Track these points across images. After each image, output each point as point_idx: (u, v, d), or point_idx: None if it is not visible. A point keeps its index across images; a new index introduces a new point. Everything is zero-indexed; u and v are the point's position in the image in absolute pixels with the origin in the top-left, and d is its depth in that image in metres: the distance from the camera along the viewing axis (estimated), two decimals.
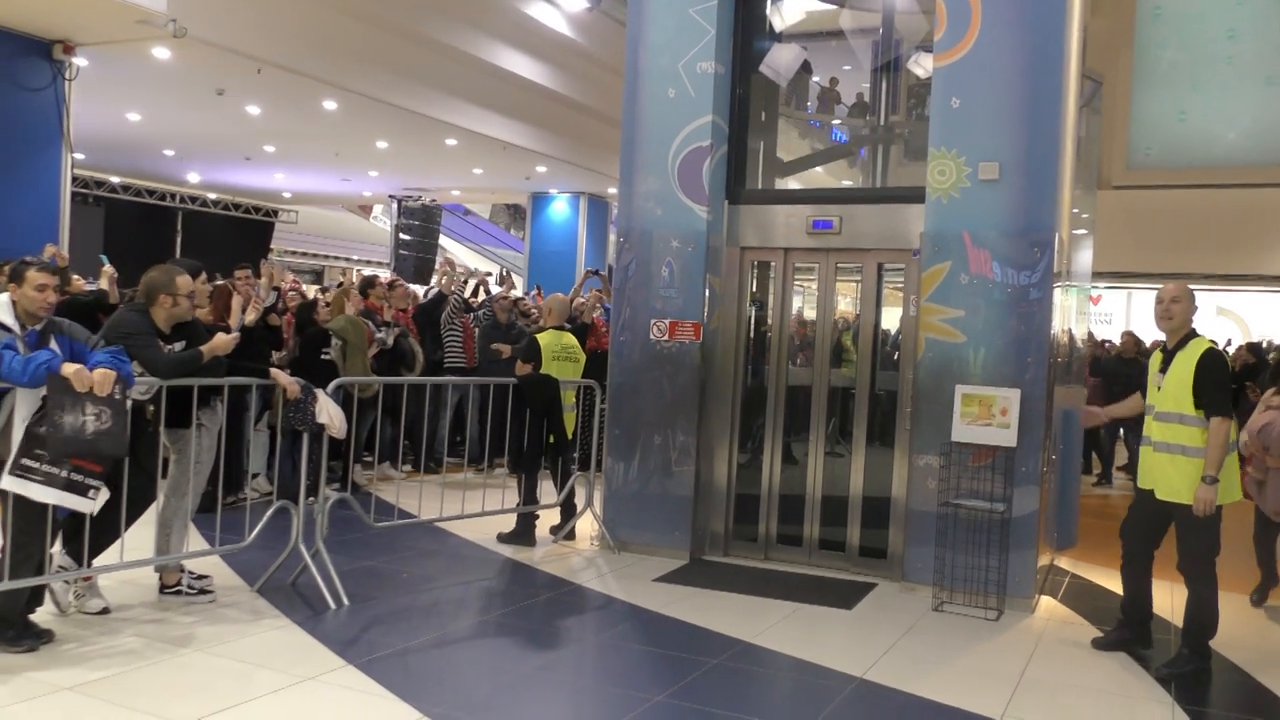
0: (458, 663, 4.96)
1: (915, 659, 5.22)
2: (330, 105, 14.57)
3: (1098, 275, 10.42)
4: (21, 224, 10.26)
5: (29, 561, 4.60)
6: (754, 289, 7.51)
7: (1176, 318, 5.24)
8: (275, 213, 25.99)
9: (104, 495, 4.75)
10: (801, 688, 4.88)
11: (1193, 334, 5.26)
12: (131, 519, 5.14)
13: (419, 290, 13.42)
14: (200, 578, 5.58)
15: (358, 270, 20.21)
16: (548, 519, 7.62)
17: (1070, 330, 7.29)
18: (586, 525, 7.59)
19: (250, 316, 6.87)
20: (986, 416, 6.15)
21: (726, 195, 7.31)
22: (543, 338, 7.56)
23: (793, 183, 8.37)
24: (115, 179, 21.89)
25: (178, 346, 5.27)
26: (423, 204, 23.65)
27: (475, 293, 11.85)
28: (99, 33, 10.43)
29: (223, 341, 5.35)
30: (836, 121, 9.01)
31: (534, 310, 11.38)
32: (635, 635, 5.49)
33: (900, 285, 7.03)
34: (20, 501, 4.49)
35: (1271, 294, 19.48)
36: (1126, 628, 5.48)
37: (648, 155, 7.23)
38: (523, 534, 7.33)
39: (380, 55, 13.53)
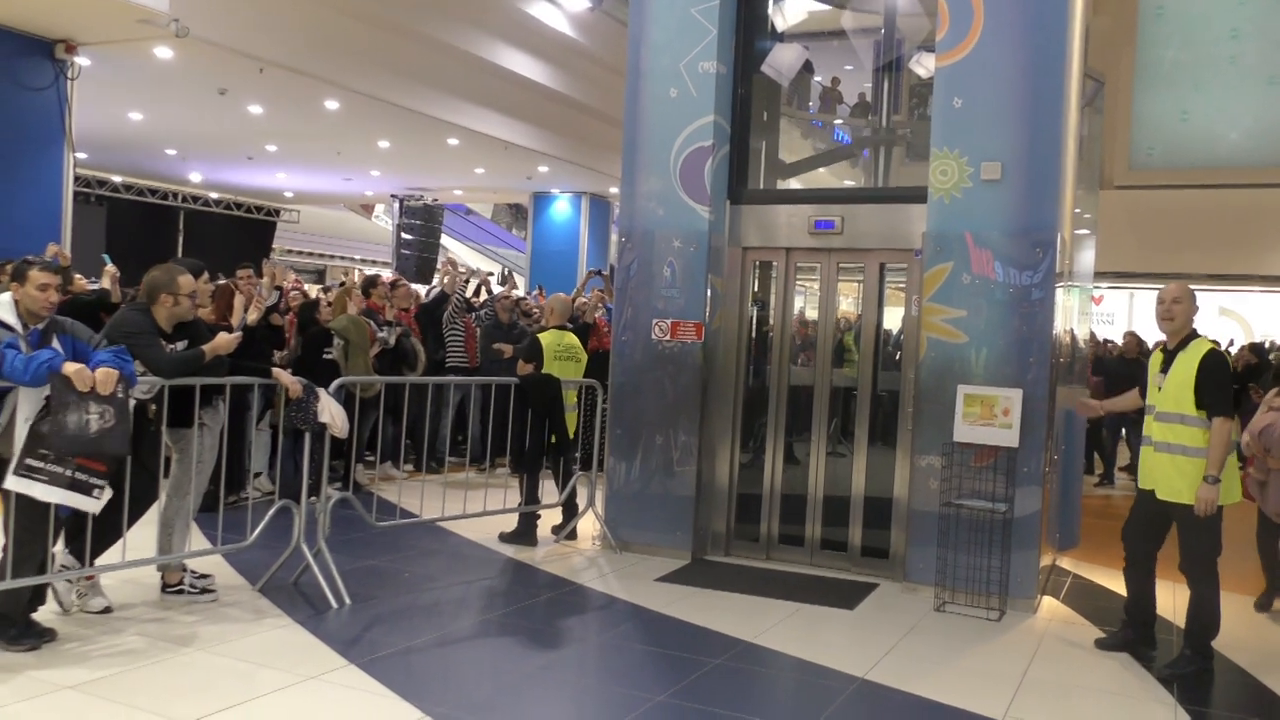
0: (460, 662, 4.96)
1: (917, 659, 5.22)
2: (332, 105, 14.58)
3: (1100, 275, 10.43)
4: (24, 223, 10.27)
5: (31, 560, 4.61)
6: (756, 289, 7.51)
7: (1178, 318, 5.24)
8: (277, 212, 26.01)
9: (107, 494, 4.75)
10: (803, 688, 4.88)
11: (1194, 335, 5.26)
12: (134, 518, 5.15)
13: (421, 290, 13.41)
14: (202, 577, 5.58)
15: (359, 270, 20.23)
16: (549, 519, 7.62)
17: (1072, 330, 7.29)
18: (588, 525, 7.59)
19: (252, 316, 6.88)
20: (988, 417, 6.15)
21: (728, 195, 7.31)
22: (545, 337, 7.56)
23: (794, 182, 8.37)
24: (117, 178, 21.91)
25: (180, 346, 5.27)
26: (425, 203, 23.67)
27: (477, 292, 11.85)
28: (101, 32, 10.44)
29: (225, 341, 5.36)
30: (838, 121, 9.01)
31: (536, 310, 11.38)
32: (637, 635, 5.49)
33: (902, 285, 7.02)
34: (22, 500, 4.49)
35: (1274, 294, 19.48)
36: (1130, 629, 5.48)
37: (650, 155, 7.23)
38: (524, 534, 7.33)
39: (382, 55, 13.54)
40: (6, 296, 4.67)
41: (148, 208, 22.77)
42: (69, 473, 4.52)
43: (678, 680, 4.70)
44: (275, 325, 8.27)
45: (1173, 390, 5.16)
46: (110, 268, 7.27)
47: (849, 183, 8.47)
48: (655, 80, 7.20)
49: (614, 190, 20.13)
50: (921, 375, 6.47)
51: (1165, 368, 5.26)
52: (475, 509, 7.06)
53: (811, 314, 7.47)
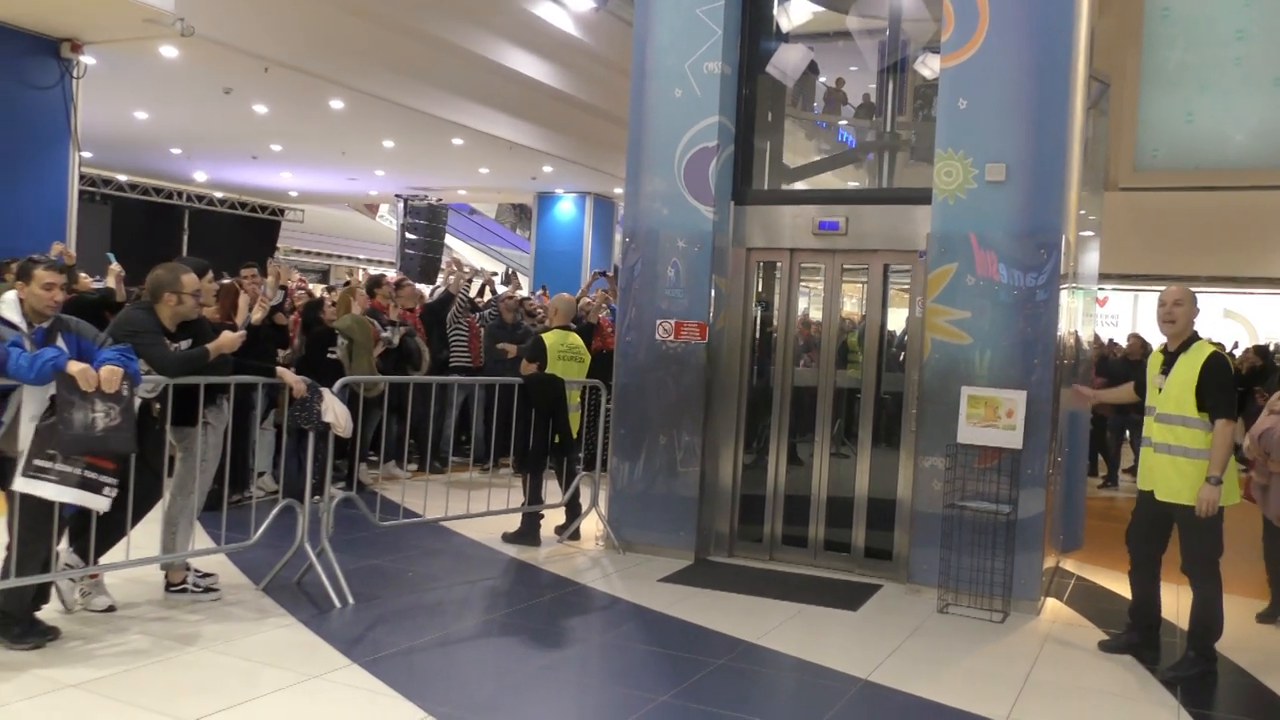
0: (463, 662, 4.96)
1: (920, 661, 5.22)
2: (337, 104, 14.59)
3: (1104, 277, 10.40)
4: (29, 222, 10.29)
5: (35, 559, 4.61)
6: (760, 289, 7.51)
7: (1179, 321, 5.25)
8: (282, 211, 26.03)
9: (114, 492, 4.76)
10: (806, 689, 4.88)
11: (1195, 337, 5.26)
12: (137, 517, 5.15)
13: (425, 290, 13.42)
14: (206, 576, 5.59)
15: (364, 270, 20.25)
16: (553, 519, 7.62)
17: (1076, 332, 7.28)
18: (591, 525, 7.59)
19: (257, 315, 6.89)
20: (992, 418, 6.14)
21: (733, 196, 7.31)
22: (548, 337, 7.56)
23: (799, 183, 8.37)
24: (122, 177, 21.94)
25: (184, 345, 5.28)
26: (429, 203, 23.67)
27: (481, 292, 11.85)
28: (107, 31, 10.46)
29: (229, 339, 5.36)
30: (843, 122, 9.01)
31: (540, 310, 11.38)
32: (640, 635, 5.49)
33: (906, 286, 7.02)
34: (27, 499, 4.50)
35: (1279, 297, 19.43)
36: (1134, 631, 5.48)
37: (654, 155, 7.23)
38: (528, 534, 7.33)
39: (387, 55, 13.55)
40: (11, 295, 4.68)
41: (153, 207, 22.80)
42: (79, 471, 4.52)
43: (680, 681, 4.69)
44: (280, 325, 8.27)
45: (1174, 392, 5.16)
46: (115, 266, 7.28)
47: (853, 184, 8.46)
48: (660, 80, 7.20)
49: (618, 190, 20.14)
50: (925, 376, 6.47)
51: (1166, 369, 5.26)
52: (479, 509, 7.07)
53: (816, 315, 7.46)
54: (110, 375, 4.51)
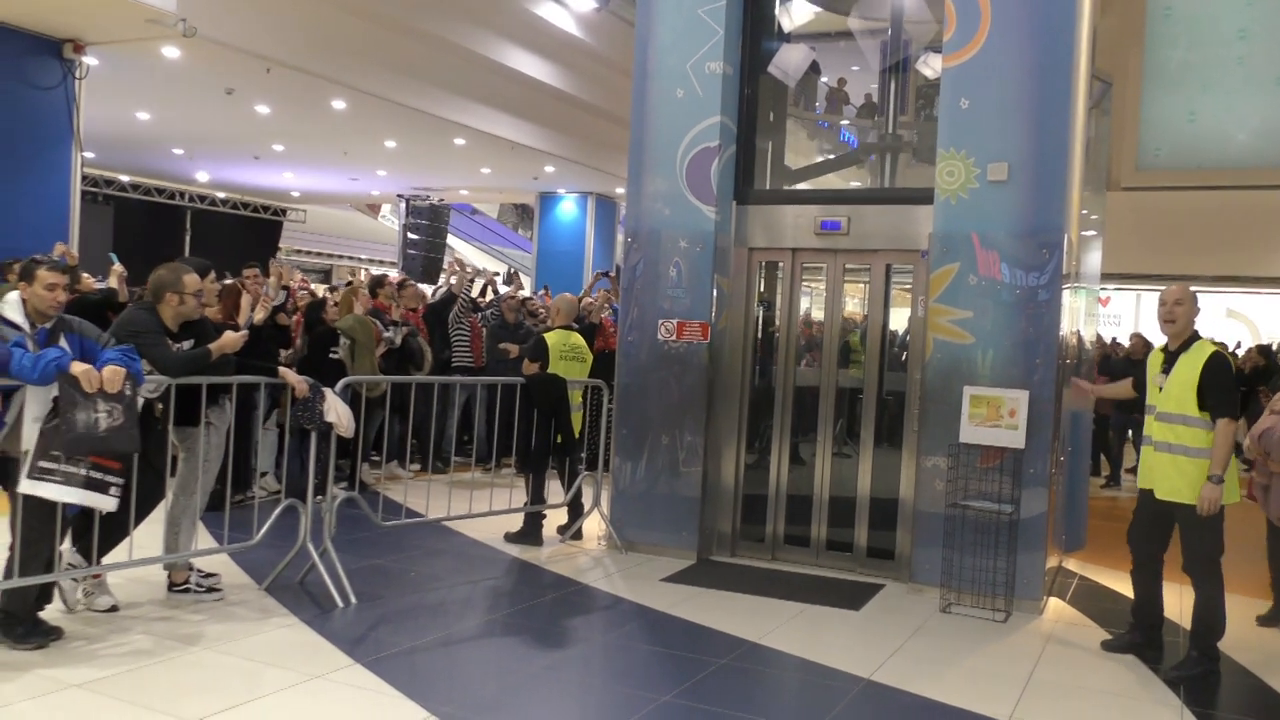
0: (465, 662, 4.96)
1: (923, 660, 5.21)
2: (339, 105, 14.60)
3: (1106, 277, 10.39)
4: (31, 222, 10.30)
5: (38, 559, 4.62)
6: (762, 289, 7.51)
7: (1179, 320, 5.25)
8: (284, 212, 26.06)
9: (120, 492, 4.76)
10: (808, 688, 4.88)
11: (1195, 336, 5.26)
12: (140, 517, 5.16)
13: (427, 290, 13.43)
14: (208, 576, 5.59)
15: (366, 270, 20.26)
16: (555, 518, 7.62)
17: (1079, 332, 7.28)
18: (594, 525, 7.59)
19: (259, 315, 6.89)
20: (995, 418, 6.14)
21: (734, 195, 7.30)
22: (550, 337, 7.56)
23: (801, 183, 8.36)
24: (125, 178, 21.96)
25: (186, 345, 5.28)
26: (431, 203, 23.69)
27: (483, 292, 11.85)
28: (109, 32, 10.47)
29: (231, 339, 5.37)
30: (845, 122, 9.00)
31: (542, 310, 11.38)
32: (642, 635, 5.49)
33: (908, 286, 7.01)
34: (30, 499, 4.50)
35: None
36: (1137, 631, 5.47)
37: (656, 155, 7.23)
38: (530, 533, 7.33)
39: (389, 55, 13.56)
40: (14, 296, 4.69)
41: (155, 207, 22.83)
42: (84, 472, 4.53)
43: (683, 680, 4.70)
44: (282, 325, 8.28)
45: (1175, 391, 5.16)
46: (117, 267, 7.28)
47: (855, 183, 8.46)
48: (662, 81, 7.20)
49: (620, 190, 20.15)
50: (927, 376, 6.46)
51: (1167, 368, 5.26)
52: (481, 509, 7.07)
53: (817, 315, 7.46)
54: (113, 375, 4.51)
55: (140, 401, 4.83)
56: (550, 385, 7.27)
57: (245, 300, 7.00)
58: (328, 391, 5.71)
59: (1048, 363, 6.17)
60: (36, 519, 4.55)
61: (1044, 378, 6.16)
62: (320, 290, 12.23)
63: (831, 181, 8.49)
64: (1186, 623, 5.35)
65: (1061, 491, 6.72)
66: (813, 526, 7.16)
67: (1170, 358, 5.27)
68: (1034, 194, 6.21)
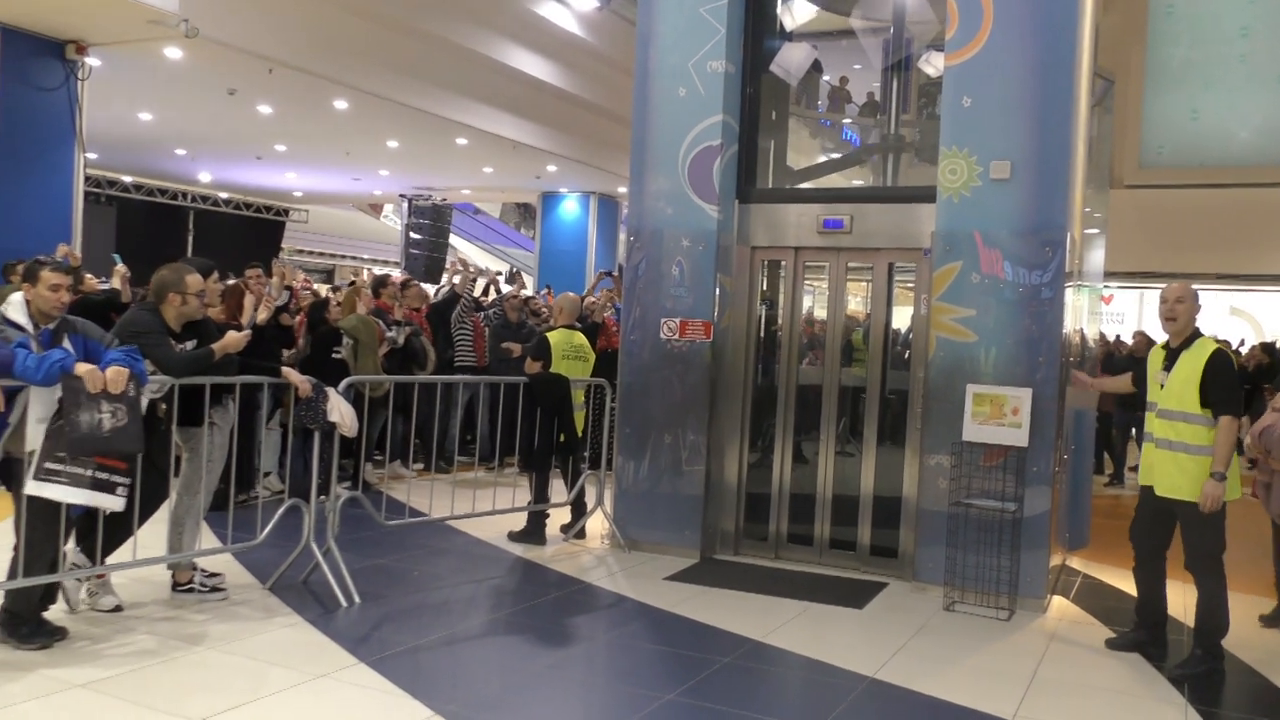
0: (469, 660, 4.97)
1: (926, 659, 5.21)
2: (341, 105, 14.62)
3: (1109, 275, 10.38)
4: (34, 223, 10.32)
5: (42, 559, 4.62)
6: (764, 288, 7.51)
7: (1180, 318, 5.25)
8: (286, 212, 26.08)
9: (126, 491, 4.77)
10: (812, 687, 4.88)
11: (1197, 333, 5.26)
12: (144, 517, 5.16)
13: (430, 289, 13.44)
14: (212, 575, 5.60)
15: (369, 269, 20.27)
16: (558, 517, 7.63)
17: (1082, 330, 7.27)
18: (597, 524, 7.59)
19: (262, 315, 6.90)
20: (998, 416, 6.13)
21: (737, 194, 7.30)
22: (553, 336, 7.57)
23: (803, 183, 8.36)
24: (127, 178, 21.99)
25: (189, 345, 5.29)
26: (433, 203, 23.71)
27: (486, 291, 11.86)
28: (111, 33, 10.48)
29: (234, 339, 5.37)
30: (847, 121, 9.00)
31: (545, 309, 11.39)
32: (646, 634, 5.50)
33: (911, 284, 7.01)
34: (34, 499, 4.51)
35: None
36: (1141, 629, 5.47)
37: (658, 154, 7.23)
38: (533, 532, 7.33)
39: (391, 55, 13.57)
40: (18, 296, 4.70)
41: (157, 208, 22.86)
42: (89, 473, 4.54)
43: (686, 679, 4.70)
44: (285, 325, 8.28)
45: (1177, 388, 5.16)
46: (120, 267, 7.29)
47: (858, 182, 8.46)
48: (664, 79, 7.20)
49: (622, 189, 20.16)
50: (930, 374, 6.46)
51: (1168, 365, 5.26)
52: (484, 508, 7.07)
53: (820, 313, 7.46)
54: (116, 376, 4.52)
55: (145, 401, 4.83)
56: (553, 384, 7.28)
57: (248, 300, 7.01)
58: (331, 391, 5.72)
59: (1051, 361, 6.16)
60: (41, 520, 4.56)
61: (1047, 376, 6.16)
62: (323, 290, 12.24)
63: (834, 180, 8.48)
64: (1190, 620, 5.35)
65: (1065, 489, 6.72)
66: (816, 525, 7.16)
67: (1172, 355, 5.27)
68: (1036, 192, 6.21)
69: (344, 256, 31.10)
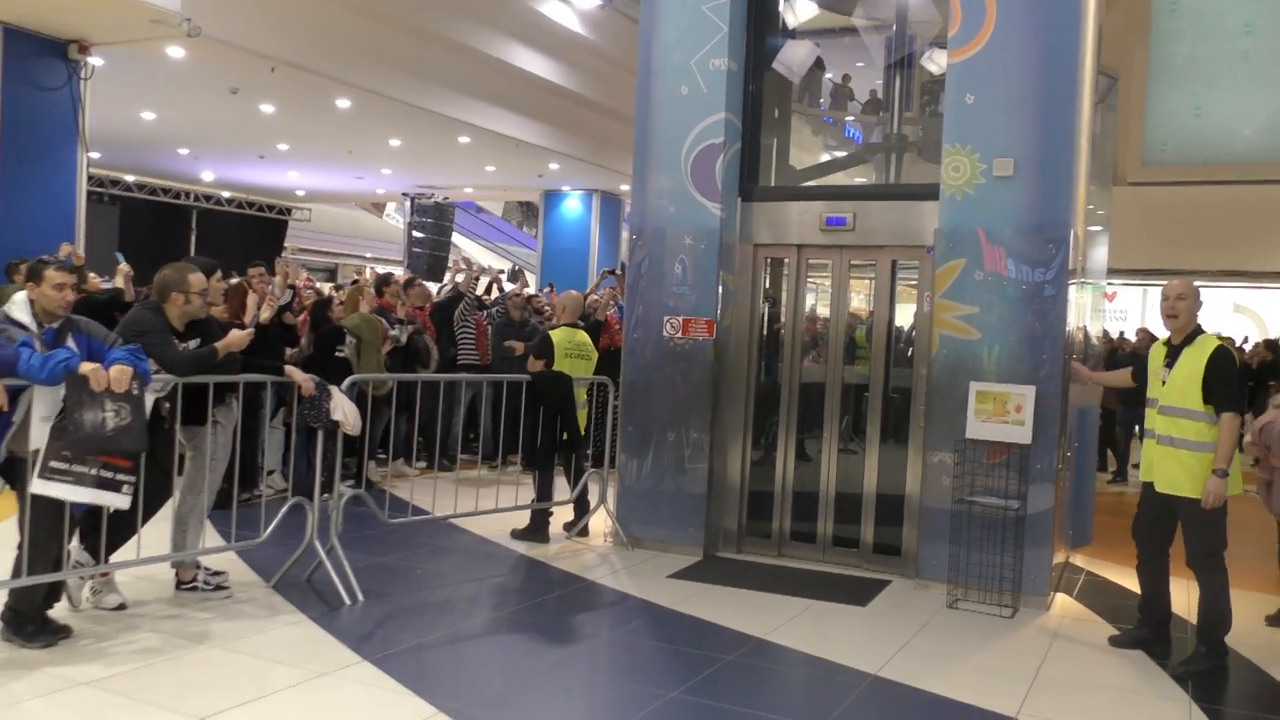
0: (472, 658, 4.97)
1: (929, 656, 5.21)
2: (343, 103, 14.62)
3: (1113, 272, 10.38)
4: (38, 222, 10.33)
5: (47, 558, 4.63)
6: (767, 286, 7.50)
7: (1181, 315, 5.25)
8: (289, 211, 26.08)
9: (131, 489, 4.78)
10: (815, 684, 4.88)
11: (1199, 330, 5.26)
12: (148, 515, 5.17)
13: (432, 288, 13.45)
14: (216, 574, 5.61)
15: (371, 268, 20.28)
16: (561, 515, 7.63)
17: (1085, 327, 7.27)
18: (600, 522, 7.59)
19: (265, 314, 6.90)
20: (1001, 413, 6.13)
21: (740, 192, 7.30)
22: (555, 335, 7.57)
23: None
24: (130, 177, 22.00)
25: (193, 344, 5.29)
26: (435, 201, 23.69)
27: (489, 290, 11.86)
28: (114, 32, 10.49)
29: (237, 338, 5.38)
30: (850, 118, 8.99)
31: (548, 308, 11.39)
32: (648, 631, 5.50)
33: (914, 282, 7.01)
34: (38, 498, 4.52)
35: None
36: (1144, 626, 5.46)
37: (661, 152, 7.23)
38: (536, 530, 7.34)
39: (393, 53, 13.57)
40: (21, 296, 4.70)
41: (160, 207, 22.87)
42: (94, 471, 4.54)
43: (689, 677, 4.70)
44: (288, 324, 8.29)
45: (1179, 385, 5.16)
46: (124, 266, 7.29)
47: (861, 180, 8.45)
48: (666, 77, 7.20)
49: (625, 188, 20.14)
50: (934, 372, 6.46)
51: (1169, 362, 5.25)
52: (487, 506, 7.08)
53: (823, 311, 7.46)
54: (120, 375, 4.53)
55: (150, 399, 4.84)
56: (556, 383, 7.28)
57: (251, 299, 7.01)
58: (334, 390, 5.72)
59: (1054, 358, 6.16)
60: (45, 518, 4.57)
61: (1050, 373, 6.15)
62: (326, 289, 12.24)
63: (837, 178, 8.47)
64: (1194, 618, 5.34)
65: (1068, 487, 6.71)
66: (819, 522, 7.16)
67: (1174, 352, 5.27)
68: (1040, 189, 6.20)
69: (347, 255, 31.11)
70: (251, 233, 24.40)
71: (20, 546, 4.63)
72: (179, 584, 5.53)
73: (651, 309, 7.27)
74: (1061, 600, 6.38)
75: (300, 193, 24.60)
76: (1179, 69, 17.08)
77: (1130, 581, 5.78)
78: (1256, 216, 16.80)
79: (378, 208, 29.94)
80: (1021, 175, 6.23)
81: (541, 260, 23.28)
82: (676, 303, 7.19)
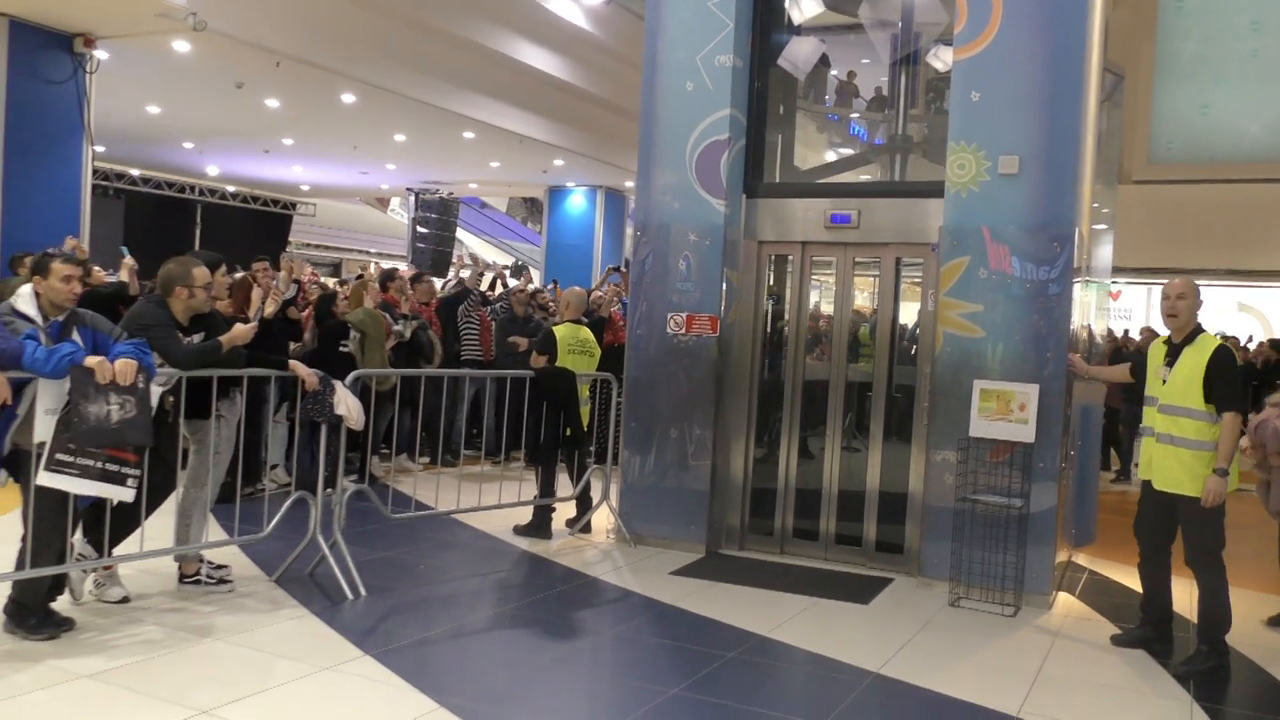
0: (474, 654, 4.98)
1: (931, 654, 5.21)
2: (348, 98, 14.63)
3: (1118, 270, 10.35)
4: (42, 216, 10.36)
5: (50, 550, 4.64)
6: (771, 283, 7.50)
7: (1182, 314, 5.25)
8: (293, 205, 26.11)
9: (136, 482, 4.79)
10: (817, 682, 4.88)
11: (1199, 329, 5.25)
12: (151, 509, 5.18)
13: (437, 283, 13.46)
14: (219, 568, 5.62)
15: (375, 263, 20.29)
16: (564, 512, 7.64)
17: (1089, 326, 7.25)
18: (603, 518, 7.60)
19: (269, 309, 6.91)
20: (1005, 412, 6.12)
21: (744, 189, 7.30)
22: (559, 331, 7.57)
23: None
24: (135, 171, 22.03)
25: (197, 338, 5.30)
26: (440, 197, 23.70)
27: (492, 286, 11.88)
28: (120, 26, 10.51)
29: (241, 332, 5.38)
30: (855, 115, 8.98)
31: (552, 304, 11.39)
32: (651, 628, 5.50)
33: (918, 279, 7.00)
34: (42, 491, 4.53)
35: None
36: (1147, 625, 5.46)
37: (665, 149, 7.22)
38: (539, 526, 7.34)
39: (398, 49, 13.57)
40: (27, 289, 4.71)
41: (165, 201, 22.89)
42: (99, 464, 4.55)
43: (691, 674, 4.70)
44: (292, 318, 8.30)
45: (1179, 383, 5.16)
46: (128, 260, 7.30)
47: (865, 177, 8.44)
48: (671, 74, 7.19)
49: (629, 184, 20.13)
50: (937, 370, 6.45)
51: (1170, 361, 5.25)
52: (490, 501, 7.08)
53: (827, 308, 7.45)
54: (125, 368, 4.53)
55: (156, 393, 4.85)
56: (559, 378, 7.28)
57: (255, 294, 7.03)
58: (338, 384, 5.73)
59: (1058, 357, 6.15)
60: (48, 511, 4.58)
61: (1054, 372, 6.14)
62: (330, 284, 12.26)
63: (841, 175, 8.46)
64: (1195, 617, 5.34)
65: (1071, 485, 6.70)
66: (822, 520, 7.16)
67: (1174, 350, 5.27)
68: (1045, 187, 6.19)
69: (351, 250, 31.14)
70: (256, 227, 24.43)
71: (24, 539, 4.63)
72: (182, 577, 5.54)
73: (655, 305, 7.26)
74: (1064, 599, 6.38)
75: (305, 187, 24.63)
76: (1186, 66, 17.04)
77: (1133, 581, 5.78)
78: (1263, 215, 16.77)
79: (382, 203, 29.95)
80: (1027, 173, 6.22)
81: (546, 256, 23.28)
82: (680, 299, 7.18)
